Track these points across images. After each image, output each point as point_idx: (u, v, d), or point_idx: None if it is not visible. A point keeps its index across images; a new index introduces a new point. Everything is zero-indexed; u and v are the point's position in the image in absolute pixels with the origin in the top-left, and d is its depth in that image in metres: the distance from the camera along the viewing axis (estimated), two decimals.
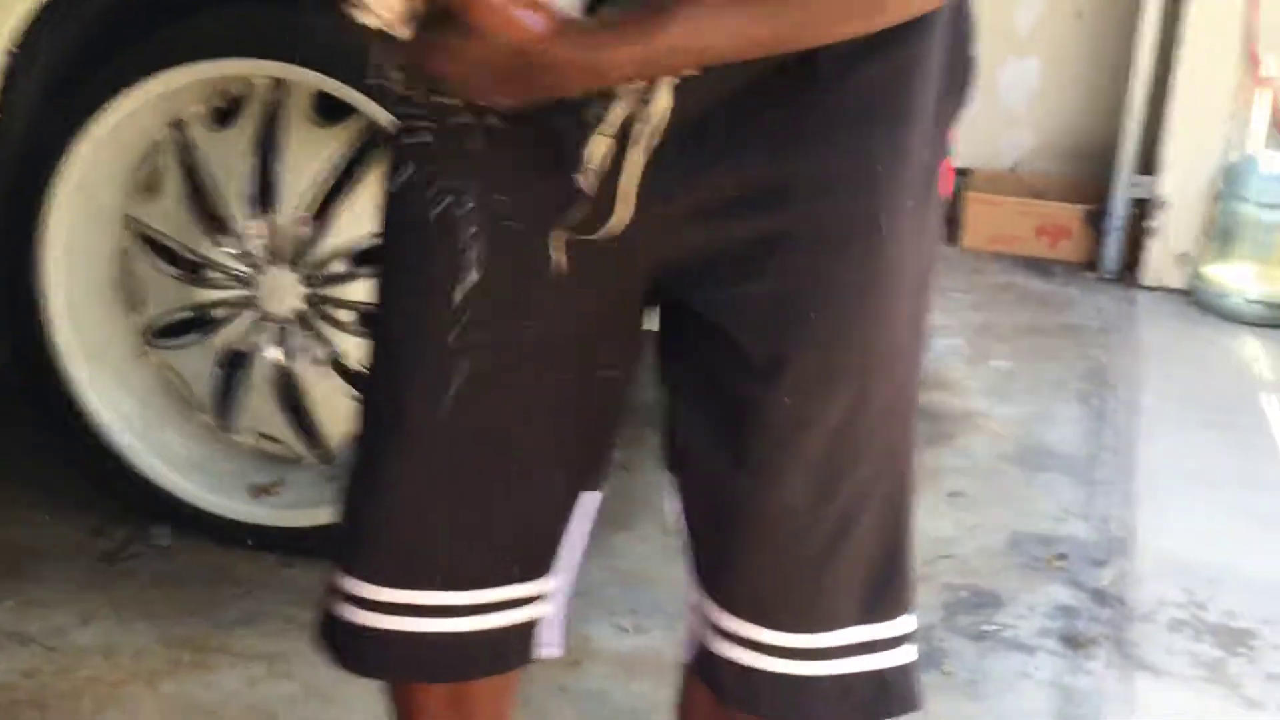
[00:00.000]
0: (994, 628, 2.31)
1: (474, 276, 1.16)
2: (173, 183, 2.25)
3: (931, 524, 2.62)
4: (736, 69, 1.05)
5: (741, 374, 1.15)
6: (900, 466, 1.22)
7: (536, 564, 1.29)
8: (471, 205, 1.15)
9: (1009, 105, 4.20)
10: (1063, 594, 2.41)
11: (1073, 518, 2.67)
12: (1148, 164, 3.87)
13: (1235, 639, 2.31)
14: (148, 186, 2.29)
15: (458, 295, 1.17)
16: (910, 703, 1.28)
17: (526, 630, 1.31)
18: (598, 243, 1.13)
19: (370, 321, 1.29)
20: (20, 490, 2.53)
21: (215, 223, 2.23)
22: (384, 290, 1.25)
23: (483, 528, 1.25)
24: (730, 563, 1.21)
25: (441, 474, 1.22)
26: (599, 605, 2.27)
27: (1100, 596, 2.41)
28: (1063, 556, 2.53)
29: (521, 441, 1.22)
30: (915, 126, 1.14)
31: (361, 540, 1.25)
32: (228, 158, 2.20)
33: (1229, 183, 3.73)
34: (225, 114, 2.24)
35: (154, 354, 2.36)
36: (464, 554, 1.25)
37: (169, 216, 2.26)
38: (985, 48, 4.16)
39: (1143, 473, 2.86)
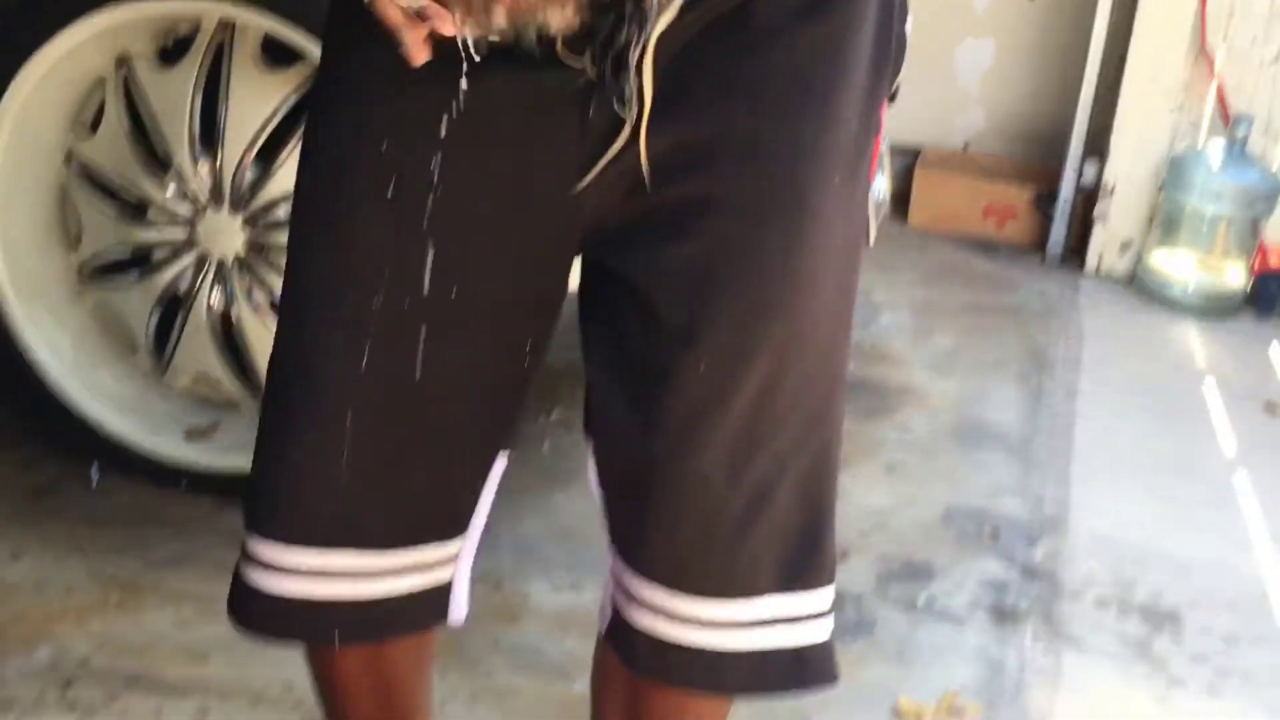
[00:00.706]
0: (925, 599, 2.32)
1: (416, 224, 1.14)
2: (116, 120, 2.21)
3: (868, 495, 2.63)
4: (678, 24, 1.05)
5: (658, 339, 1.13)
6: (823, 438, 1.20)
7: (452, 525, 1.26)
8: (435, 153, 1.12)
9: (963, 84, 4.21)
10: (994, 568, 2.43)
11: (1007, 495, 2.69)
12: (1097, 150, 3.89)
13: (1161, 619, 2.34)
14: (91, 123, 2.26)
15: (386, 242, 1.14)
16: (825, 676, 1.27)
17: (440, 593, 1.29)
18: (554, 196, 1.12)
19: (287, 257, 1.23)
20: None
21: (158, 162, 2.20)
22: (302, 226, 1.20)
23: (399, 487, 1.21)
24: (645, 529, 1.18)
25: (358, 431, 1.17)
26: (536, 562, 2.27)
27: (1031, 572, 2.44)
28: (996, 532, 2.55)
29: (442, 398, 1.19)
30: (845, 96, 1.13)
31: (269, 499, 1.20)
32: (173, 97, 2.17)
33: (1174, 173, 3.76)
34: (171, 53, 2.21)
35: (91, 293, 2.33)
36: (378, 514, 1.21)
37: (111, 154, 2.23)
38: (942, 27, 4.18)
39: (1078, 454, 2.88)
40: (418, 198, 1.13)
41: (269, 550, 1.21)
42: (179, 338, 2.27)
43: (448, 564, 1.28)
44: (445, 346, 1.17)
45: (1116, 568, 2.48)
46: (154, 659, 1.96)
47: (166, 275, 2.24)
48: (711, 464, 1.15)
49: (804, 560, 1.23)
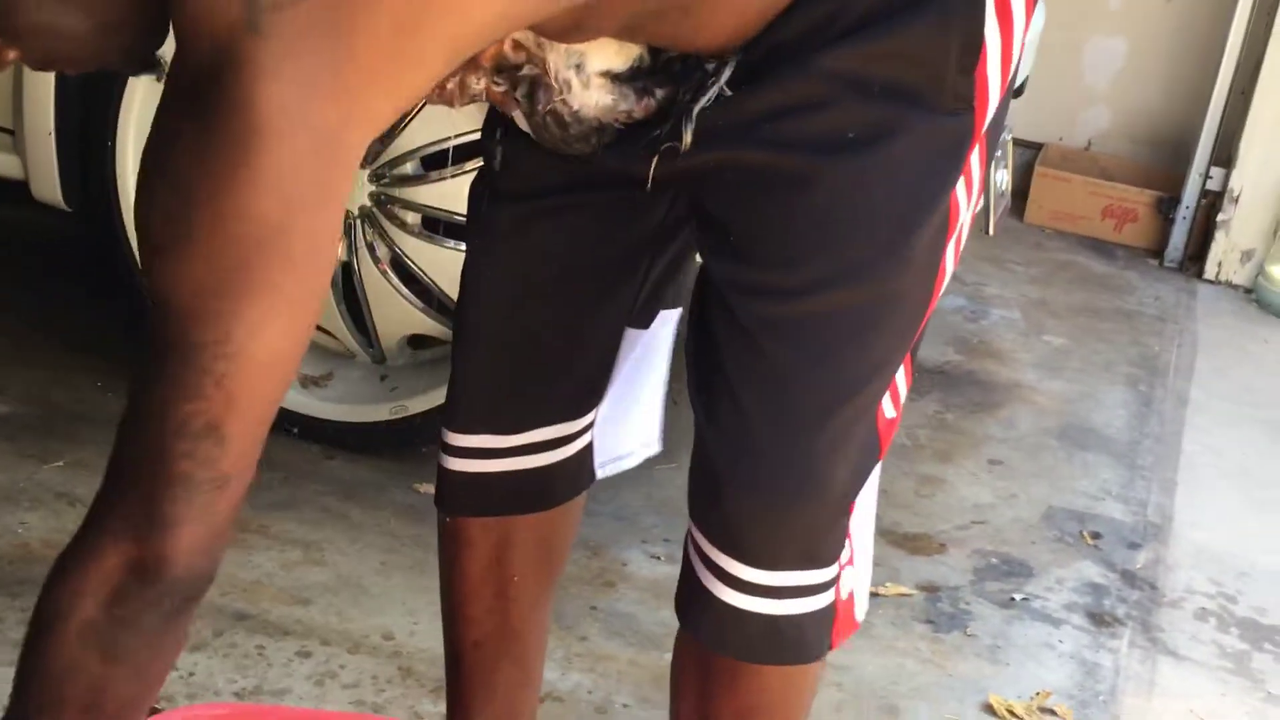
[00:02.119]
0: (1021, 597, 2.31)
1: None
2: None
3: (969, 490, 2.62)
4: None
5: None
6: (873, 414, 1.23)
7: (588, 401, 1.41)
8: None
9: (1090, 83, 4.16)
10: (1093, 571, 2.42)
11: (1110, 498, 2.66)
12: (1224, 157, 3.83)
13: (1262, 634, 2.31)
14: None
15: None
16: (812, 651, 1.29)
17: (578, 461, 1.43)
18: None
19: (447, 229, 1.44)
20: (74, 356, 2.56)
21: None
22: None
23: (532, 376, 1.37)
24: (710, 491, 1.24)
25: (495, 325, 1.35)
26: (635, 532, 2.29)
27: (1130, 578, 2.41)
28: (1097, 535, 2.52)
29: (563, 288, 1.33)
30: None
31: (449, 395, 1.41)
32: None
33: None
34: None
35: None
36: (517, 401, 1.38)
37: None
38: (1073, 23, 4.14)
39: (1185, 462, 2.85)
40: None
41: (446, 435, 1.41)
42: None
43: (586, 434, 1.43)
44: (559, 239, 1.31)
45: (1218, 579, 2.45)
46: (259, 598, 2.00)
47: None
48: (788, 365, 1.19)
49: (826, 538, 1.25)
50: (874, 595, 2.22)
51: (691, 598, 1.28)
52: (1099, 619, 2.29)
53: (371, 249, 2.25)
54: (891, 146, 1.11)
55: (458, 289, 1.39)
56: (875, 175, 1.13)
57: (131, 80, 2.22)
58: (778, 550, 1.22)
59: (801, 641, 1.27)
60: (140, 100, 2.23)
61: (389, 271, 2.25)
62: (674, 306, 1.41)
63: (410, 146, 2.19)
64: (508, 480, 1.41)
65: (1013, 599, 2.30)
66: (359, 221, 2.24)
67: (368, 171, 2.21)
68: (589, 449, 1.45)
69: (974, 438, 2.82)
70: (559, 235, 1.31)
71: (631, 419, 1.45)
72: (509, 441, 1.40)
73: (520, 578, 1.46)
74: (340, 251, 2.27)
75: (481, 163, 1.34)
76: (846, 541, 1.27)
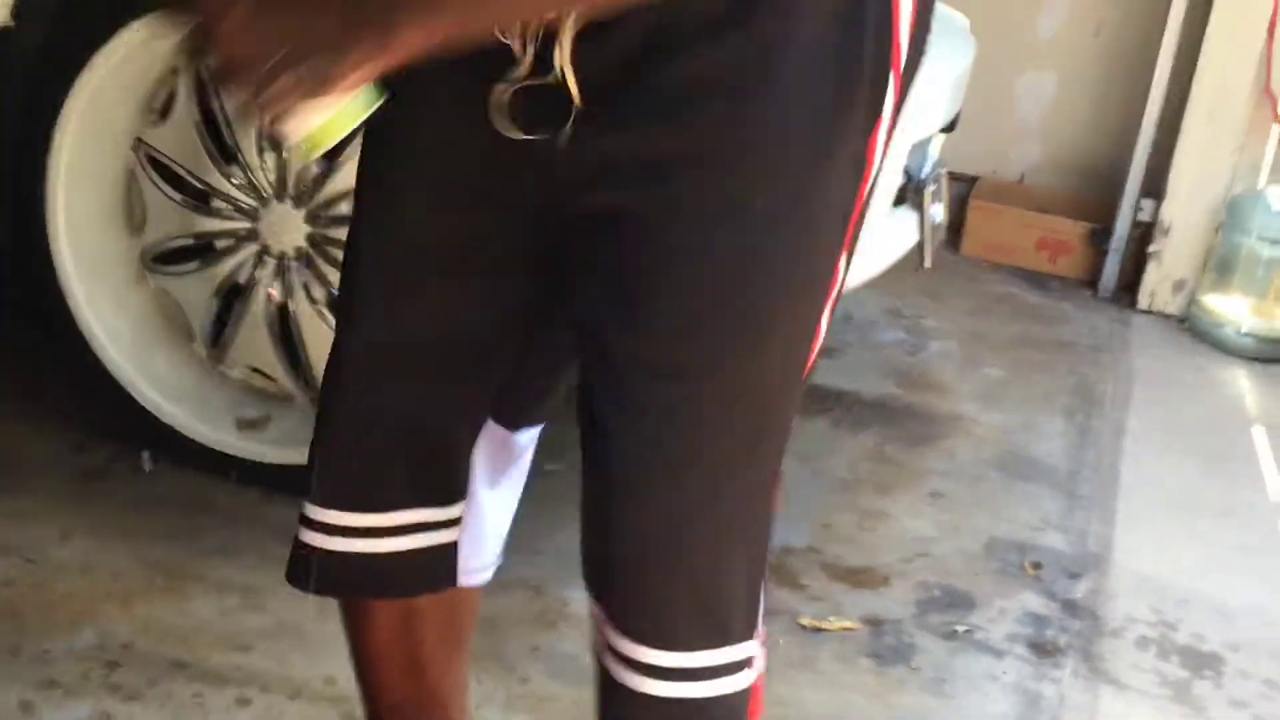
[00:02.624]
0: (964, 628, 2.32)
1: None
2: (186, 109, 2.23)
3: (911, 522, 2.63)
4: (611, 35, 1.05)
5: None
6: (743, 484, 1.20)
7: (443, 490, 1.33)
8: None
9: (1022, 116, 4.21)
10: (1035, 602, 2.42)
11: (1051, 529, 2.68)
12: (1154, 188, 3.88)
13: (1202, 662, 2.33)
14: (161, 111, 2.28)
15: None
16: None
17: (442, 553, 1.35)
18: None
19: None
20: (5, 402, 2.52)
21: (225, 153, 2.22)
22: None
23: (391, 453, 1.30)
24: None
25: (362, 395, 1.29)
26: (576, 570, 2.26)
27: (1072, 608, 2.42)
28: (1038, 565, 2.53)
29: (431, 361, 1.26)
30: (781, 107, 1.08)
31: (311, 464, 1.34)
32: None
33: (1232, 215, 3.74)
34: None
35: (153, 279, 2.35)
36: (378, 478, 1.31)
37: (179, 142, 2.25)
38: (1004, 58, 4.18)
39: (1124, 492, 2.87)
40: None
41: (308, 509, 1.34)
42: (236, 328, 2.29)
43: (450, 527, 1.35)
44: (425, 308, 1.25)
45: (1159, 608, 2.46)
46: (197, 646, 1.97)
47: (227, 265, 2.26)
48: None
49: (743, 612, 1.22)
50: (818, 630, 2.22)
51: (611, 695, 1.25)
52: (1041, 649, 2.29)
53: (308, 289, 2.23)
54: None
55: None
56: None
57: (62, 124, 2.20)
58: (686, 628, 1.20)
59: None
60: (71, 143, 2.21)
61: (325, 312, 2.23)
62: (537, 423, 1.37)
63: (347, 186, 2.18)
64: (374, 562, 1.35)
65: (955, 631, 2.31)
66: (295, 262, 2.23)
67: (304, 211, 2.20)
68: (452, 547, 1.38)
69: (915, 470, 2.83)
70: (437, 298, 1.26)
71: (484, 533, 1.39)
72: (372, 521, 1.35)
73: (430, 644, 1.43)
74: (276, 293, 2.25)
75: None
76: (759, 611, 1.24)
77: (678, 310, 1.12)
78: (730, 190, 1.09)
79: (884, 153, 1.15)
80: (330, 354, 1.32)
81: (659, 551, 1.18)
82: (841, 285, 1.19)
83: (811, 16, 1.07)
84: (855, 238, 1.18)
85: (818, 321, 1.17)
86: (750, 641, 1.23)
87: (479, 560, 1.39)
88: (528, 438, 1.37)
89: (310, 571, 1.35)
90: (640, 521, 1.17)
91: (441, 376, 1.28)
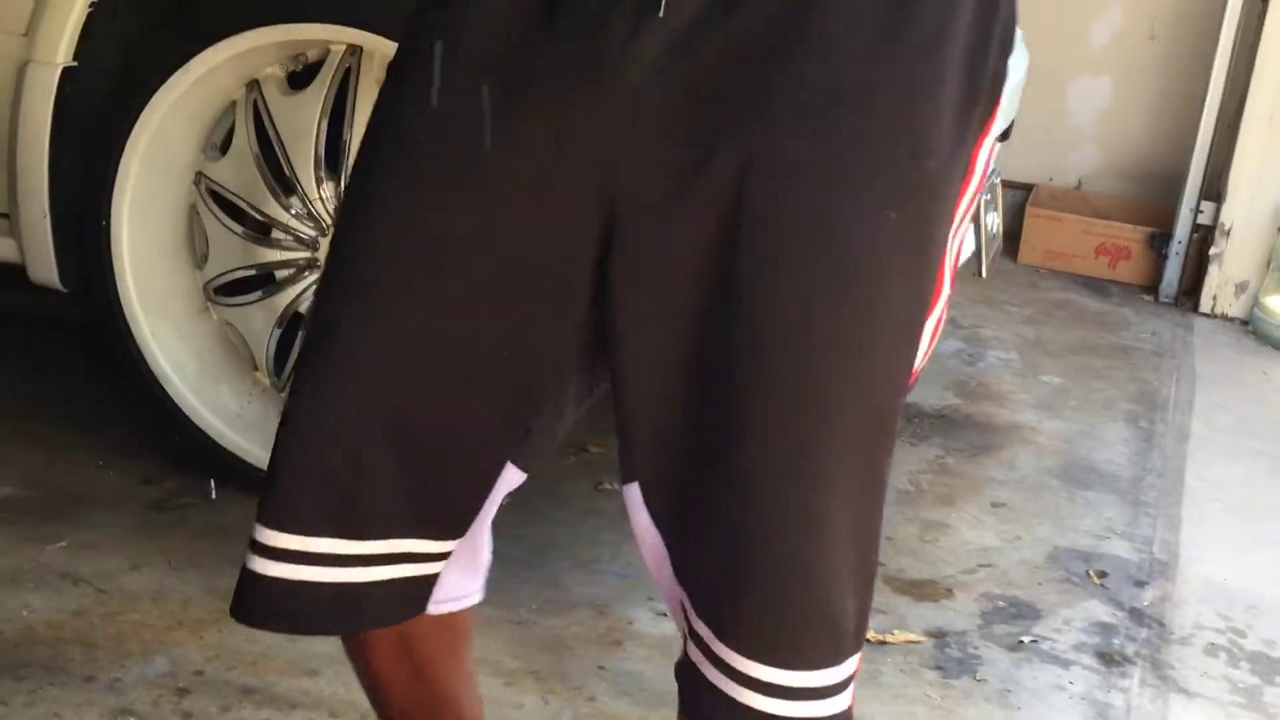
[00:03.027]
0: (1030, 639, 2.31)
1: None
2: (244, 142, 2.27)
3: (973, 533, 2.62)
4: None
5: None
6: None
7: (445, 527, 1.22)
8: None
9: (1078, 123, 4.19)
10: (1101, 611, 2.41)
11: (1115, 537, 2.66)
12: (1213, 190, 3.85)
13: (1272, 667, 2.30)
14: (221, 145, 2.32)
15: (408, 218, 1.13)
16: None
17: (422, 584, 1.25)
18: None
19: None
20: (74, 436, 2.57)
21: (284, 184, 2.25)
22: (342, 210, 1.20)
23: (388, 480, 1.17)
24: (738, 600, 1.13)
25: (349, 415, 1.15)
26: (641, 589, 2.28)
27: (1139, 616, 2.41)
28: (1103, 574, 2.52)
29: (444, 393, 1.15)
30: (917, 123, 1.07)
31: (274, 479, 1.18)
32: (300, 121, 2.23)
33: None
34: (300, 78, 2.26)
35: (216, 310, 2.38)
36: (363, 503, 1.18)
37: (239, 175, 2.29)
38: (1057, 64, 4.16)
39: (1189, 497, 2.84)
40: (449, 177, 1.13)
41: (262, 534, 1.19)
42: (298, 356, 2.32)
43: (436, 560, 1.24)
44: (451, 335, 1.14)
45: (1227, 614, 2.44)
46: (266, 672, 2.00)
47: (289, 294, 2.29)
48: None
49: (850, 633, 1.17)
50: (881, 643, 2.21)
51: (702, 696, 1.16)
52: (1108, 658, 2.28)
53: None
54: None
55: None
56: None
57: (125, 160, 2.24)
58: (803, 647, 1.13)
59: None
60: (134, 179, 2.25)
61: None
62: (530, 467, 1.24)
63: None
64: (347, 592, 1.21)
65: (1021, 641, 2.30)
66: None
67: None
68: (432, 579, 1.26)
69: (976, 480, 2.82)
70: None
71: (479, 560, 1.31)
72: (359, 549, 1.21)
73: (432, 657, 1.36)
74: None
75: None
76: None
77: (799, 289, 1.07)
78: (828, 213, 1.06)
79: (987, 161, 1.15)
80: (313, 334, 1.17)
81: (795, 559, 1.11)
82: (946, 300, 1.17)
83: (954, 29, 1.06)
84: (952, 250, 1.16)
85: (920, 328, 1.14)
86: (856, 655, 1.18)
87: (472, 585, 1.32)
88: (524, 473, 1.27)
89: (273, 605, 1.20)
90: (777, 525, 1.10)
91: (489, 390, 1.16)
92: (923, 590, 2.41)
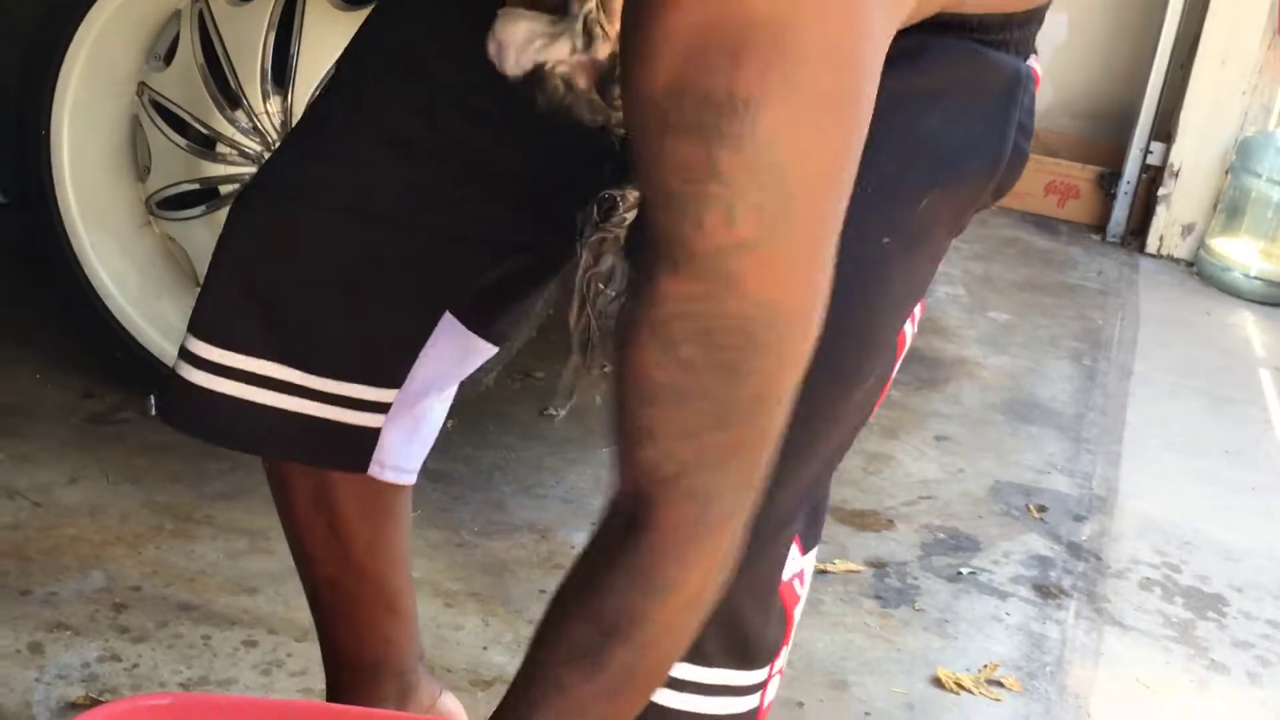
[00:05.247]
0: (969, 570, 2.32)
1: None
2: (189, 53, 2.23)
3: (916, 466, 2.63)
4: None
5: None
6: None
7: (380, 373, 1.24)
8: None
9: None
10: (1039, 544, 2.43)
11: (1056, 472, 2.68)
12: (1164, 131, 3.86)
13: (1206, 603, 2.34)
14: (165, 56, 2.27)
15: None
16: None
17: (362, 436, 1.26)
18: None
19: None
20: (12, 349, 2.53)
21: (229, 98, 2.21)
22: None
23: (328, 314, 1.20)
24: None
25: (317, 245, 1.18)
26: (583, 515, 2.28)
27: (1076, 550, 2.43)
28: (1043, 508, 2.54)
29: (389, 235, 1.17)
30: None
31: (215, 297, 1.21)
32: (247, 33, 2.19)
33: (1242, 156, 3.73)
34: None
35: (158, 224, 2.35)
36: (307, 335, 1.21)
37: (183, 87, 2.24)
38: None
39: (1129, 435, 2.87)
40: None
41: (199, 346, 1.21)
42: None
43: (375, 411, 1.25)
44: (406, 180, 1.16)
45: (1163, 549, 2.47)
46: (204, 588, 1.98)
47: None
48: None
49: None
50: (822, 572, 2.23)
51: None
52: (1045, 591, 2.30)
53: None
54: None
55: None
56: None
57: (65, 68, 2.19)
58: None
59: None
60: (74, 87, 2.21)
61: None
62: (495, 343, 1.27)
63: None
64: (287, 419, 1.23)
65: (960, 573, 2.32)
66: None
67: None
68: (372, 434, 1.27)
69: (920, 414, 2.83)
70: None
71: (420, 436, 1.32)
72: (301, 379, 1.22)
73: (350, 518, 1.36)
74: None
75: None
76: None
77: None
78: None
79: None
80: (284, 149, 1.20)
81: None
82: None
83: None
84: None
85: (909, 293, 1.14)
86: (766, 668, 1.13)
87: (408, 461, 1.33)
88: (488, 352, 1.29)
89: (192, 412, 1.23)
90: None
91: (438, 233, 1.17)
92: (864, 520, 2.43)
